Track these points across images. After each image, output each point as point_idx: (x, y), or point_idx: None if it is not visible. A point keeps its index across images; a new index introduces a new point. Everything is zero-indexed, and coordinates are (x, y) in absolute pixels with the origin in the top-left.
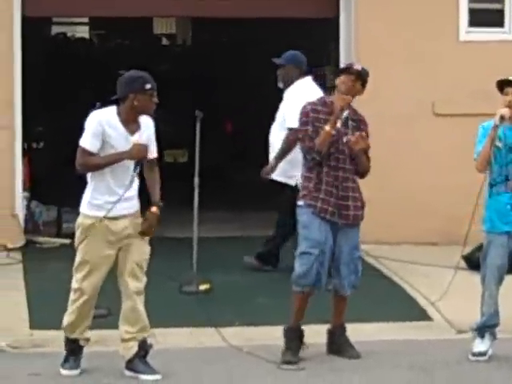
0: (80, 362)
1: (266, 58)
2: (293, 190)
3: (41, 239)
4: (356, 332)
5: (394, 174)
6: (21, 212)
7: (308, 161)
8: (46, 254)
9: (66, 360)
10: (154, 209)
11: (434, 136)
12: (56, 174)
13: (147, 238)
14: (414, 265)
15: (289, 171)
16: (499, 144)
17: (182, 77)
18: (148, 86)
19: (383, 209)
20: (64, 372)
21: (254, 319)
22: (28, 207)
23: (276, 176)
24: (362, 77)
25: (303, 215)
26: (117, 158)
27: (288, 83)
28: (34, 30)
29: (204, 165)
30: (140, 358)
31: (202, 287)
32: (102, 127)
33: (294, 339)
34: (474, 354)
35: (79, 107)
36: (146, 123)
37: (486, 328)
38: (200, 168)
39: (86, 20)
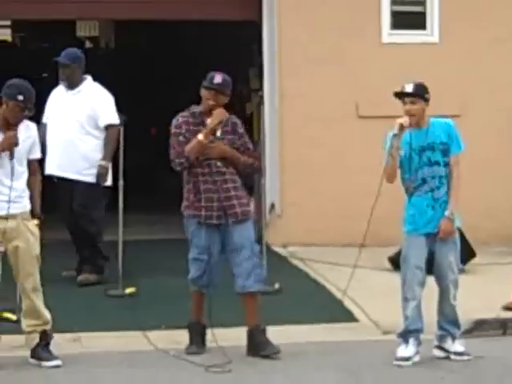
0: None
1: (190, 60)
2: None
3: None
4: (282, 334)
5: (320, 176)
6: None
7: (175, 166)
8: None
9: None
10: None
11: (358, 138)
12: None
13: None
14: (340, 266)
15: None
16: (401, 152)
17: (106, 80)
18: (20, 98)
19: (309, 211)
20: None
21: (181, 322)
22: None
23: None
24: (222, 89)
25: (190, 226)
26: None
27: (75, 83)
28: None
29: (128, 167)
30: (42, 347)
31: (128, 291)
32: None
33: (197, 333)
34: (397, 359)
35: None
36: (29, 126)
37: (409, 333)
38: (124, 170)
39: (8, 23)
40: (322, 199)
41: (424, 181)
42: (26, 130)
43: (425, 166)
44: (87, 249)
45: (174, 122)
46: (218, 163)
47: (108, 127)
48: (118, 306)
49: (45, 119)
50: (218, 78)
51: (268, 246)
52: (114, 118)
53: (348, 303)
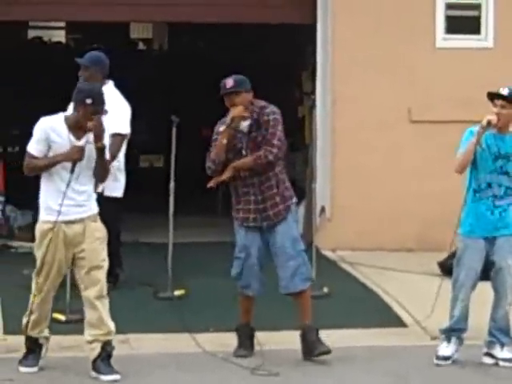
0: (39, 360)
1: (243, 62)
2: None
3: (15, 244)
4: (330, 338)
5: (370, 180)
6: None
7: (207, 170)
8: (20, 259)
9: (24, 357)
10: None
11: (411, 143)
12: (31, 179)
13: (102, 245)
14: (389, 271)
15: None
16: (479, 149)
17: (159, 82)
18: (88, 101)
19: (358, 215)
20: (22, 369)
21: (230, 325)
22: (3, 212)
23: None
24: (236, 89)
25: (235, 226)
26: (54, 161)
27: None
28: (9, 33)
29: (180, 170)
30: (102, 360)
31: (177, 293)
32: (46, 134)
33: (245, 336)
34: (438, 358)
35: (55, 111)
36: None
37: (452, 332)
38: (176, 173)
39: (62, 24)
40: (372, 203)
41: (489, 185)
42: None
43: (495, 172)
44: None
45: (215, 129)
46: (244, 152)
47: (114, 135)
48: (167, 308)
49: None
50: (229, 83)
51: (317, 249)
52: (123, 127)
53: (397, 308)
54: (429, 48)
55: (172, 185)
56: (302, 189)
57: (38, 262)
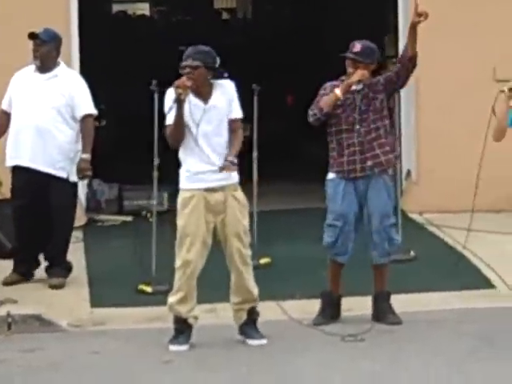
0: (189, 337)
1: (326, 29)
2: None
3: (102, 217)
4: (419, 302)
5: (455, 142)
6: (82, 191)
7: (309, 118)
8: (107, 232)
9: (175, 337)
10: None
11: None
12: (118, 152)
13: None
14: (476, 232)
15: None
16: None
17: (244, 51)
18: (183, 63)
19: (444, 177)
20: (172, 348)
21: (316, 292)
22: (90, 186)
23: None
24: (360, 57)
25: (330, 188)
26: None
27: (49, 66)
28: (94, 8)
29: (266, 137)
30: (249, 324)
31: (263, 261)
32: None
33: (327, 304)
34: None
35: (140, 85)
36: (224, 85)
37: None
38: (262, 141)
39: None
40: (458, 165)
41: None
42: (222, 90)
43: None
44: (56, 248)
45: (324, 85)
46: (364, 114)
47: (85, 117)
48: (254, 276)
49: (5, 106)
50: (356, 47)
51: (404, 213)
52: (92, 107)
53: (485, 270)
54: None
55: (255, 154)
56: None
57: (179, 234)
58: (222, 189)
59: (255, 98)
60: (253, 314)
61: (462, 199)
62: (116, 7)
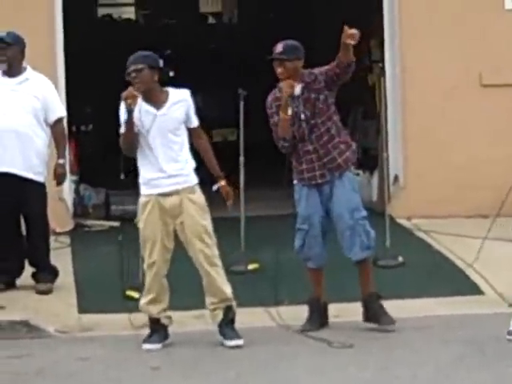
0: (163, 337)
1: (312, 33)
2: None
3: (89, 222)
4: (406, 307)
5: (443, 146)
6: (69, 196)
7: (281, 150)
8: (94, 238)
9: (148, 336)
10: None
11: (482, 107)
12: (105, 157)
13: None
14: (464, 238)
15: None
16: None
17: (230, 55)
18: (127, 70)
19: (432, 183)
20: (144, 346)
21: (304, 298)
22: (77, 191)
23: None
24: (284, 56)
25: (296, 193)
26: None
27: (16, 70)
28: (79, 12)
29: (251, 142)
30: (226, 324)
31: (251, 267)
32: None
33: (315, 311)
34: (510, 333)
35: (126, 89)
36: (179, 93)
37: None
38: (249, 145)
39: (132, 0)
40: (445, 170)
41: None
42: (177, 99)
43: None
44: (39, 252)
45: (267, 101)
46: (312, 119)
47: (58, 121)
48: (241, 282)
49: None
50: (278, 48)
51: (392, 218)
52: (63, 110)
53: (473, 276)
54: (498, 10)
55: (242, 159)
56: (375, 157)
57: (141, 237)
58: (176, 192)
59: (241, 103)
60: (229, 314)
61: (450, 204)
62: (101, 11)
